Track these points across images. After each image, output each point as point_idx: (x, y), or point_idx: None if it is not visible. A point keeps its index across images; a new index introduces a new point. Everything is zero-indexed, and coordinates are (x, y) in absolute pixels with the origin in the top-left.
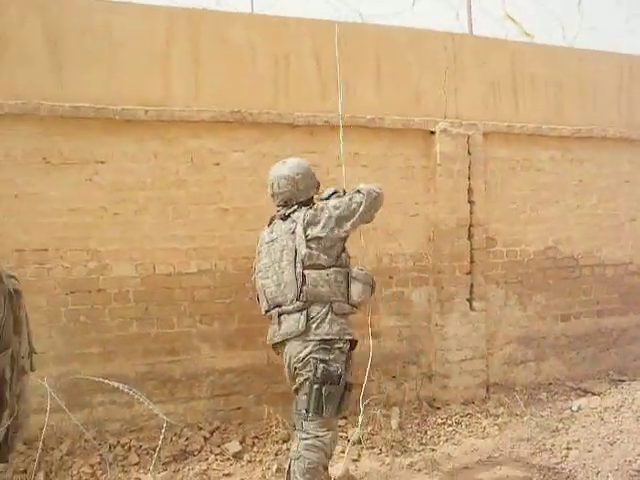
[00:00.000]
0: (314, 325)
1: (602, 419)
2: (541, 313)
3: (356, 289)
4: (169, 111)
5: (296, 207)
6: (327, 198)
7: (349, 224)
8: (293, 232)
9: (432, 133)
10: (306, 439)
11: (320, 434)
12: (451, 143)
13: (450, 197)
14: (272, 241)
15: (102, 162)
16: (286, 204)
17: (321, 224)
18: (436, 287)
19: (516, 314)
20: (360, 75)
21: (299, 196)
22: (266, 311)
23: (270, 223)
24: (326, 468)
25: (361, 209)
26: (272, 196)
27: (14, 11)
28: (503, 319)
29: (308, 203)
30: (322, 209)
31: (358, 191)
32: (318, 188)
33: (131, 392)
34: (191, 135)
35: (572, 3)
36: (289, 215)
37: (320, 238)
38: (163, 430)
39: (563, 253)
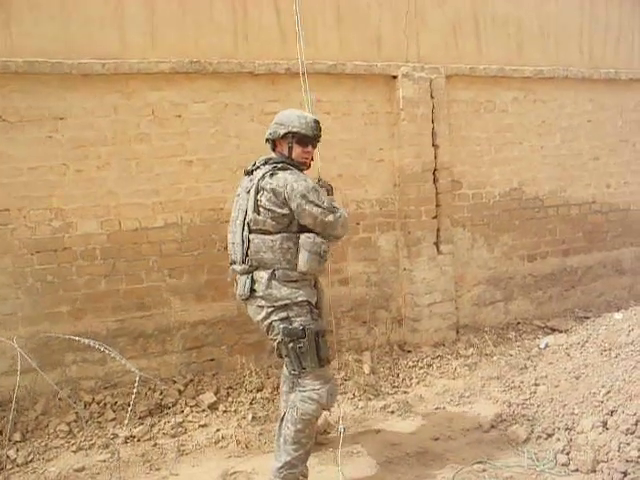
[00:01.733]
0: (260, 290)
1: (568, 355)
2: (508, 254)
3: (302, 258)
4: (127, 63)
5: (262, 164)
6: None
7: (304, 221)
8: (248, 191)
9: (394, 78)
10: (303, 391)
11: (316, 387)
12: (414, 87)
13: (414, 141)
14: (238, 195)
15: (61, 118)
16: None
17: (277, 201)
18: (403, 232)
19: (483, 256)
20: (320, 21)
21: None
22: (229, 264)
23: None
24: (317, 419)
25: (326, 230)
26: (314, 136)
27: None
28: (471, 261)
29: (284, 167)
30: (293, 191)
31: (334, 212)
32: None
33: (102, 349)
34: (151, 87)
35: None
36: (252, 172)
37: (268, 210)
38: (136, 385)
39: (528, 194)
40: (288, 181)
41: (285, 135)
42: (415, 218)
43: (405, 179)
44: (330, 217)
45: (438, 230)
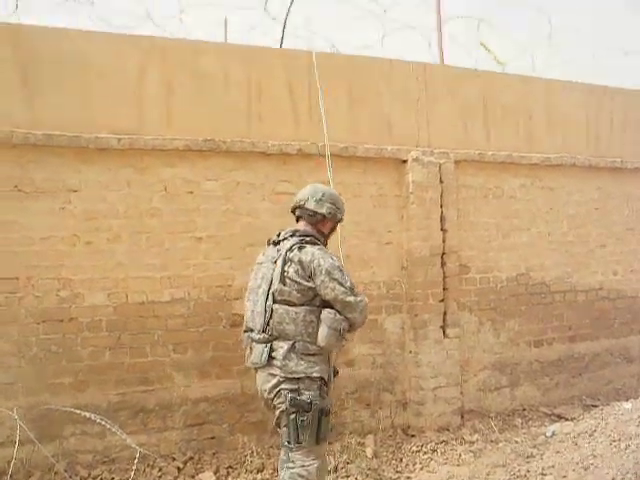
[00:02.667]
0: (276, 360)
1: (576, 444)
2: (514, 339)
3: (322, 332)
4: (142, 139)
5: (289, 235)
6: None
7: (326, 297)
8: (275, 262)
9: (404, 162)
10: (292, 468)
11: (306, 463)
12: (423, 171)
13: (423, 225)
14: (260, 264)
15: (75, 190)
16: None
17: (304, 274)
18: (410, 314)
19: (489, 340)
20: (333, 104)
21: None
22: (244, 331)
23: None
24: None
25: (345, 310)
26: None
27: None
28: (477, 345)
29: (312, 241)
30: (319, 266)
31: (356, 295)
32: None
33: (103, 422)
34: (164, 164)
35: (542, 36)
36: (279, 242)
37: (295, 281)
38: (136, 461)
39: (535, 279)
40: (315, 256)
41: (335, 218)
42: (422, 301)
43: (413, 262)
44: (351, 298)
45: (445, 314)
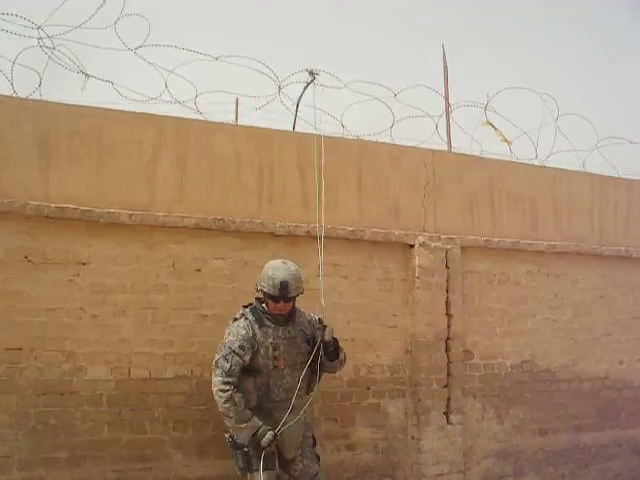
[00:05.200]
0: None
1: None
2: (519, 427)
3: None
4: (153, 216)
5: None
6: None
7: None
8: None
9: (411, 246)
10: None
11: None
12: (430, 256)
13: (428, 310)
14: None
15: (84, 263)
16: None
17: None
18: (413, 399)
19: (493, 428)
20: (341, 188)
21: None
22: None
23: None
24: None
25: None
26: (280, 296)
27: (6, 113)
28: (480, 433)
29: (252, 311)
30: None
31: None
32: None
33: None
34: (174, 240)
35: (546, 121)
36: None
37: None
38: None
39: (540, 367)
40: (229, 330)
41: (261, 291)
42: (425, 386)
43: (417, 346)
44: (214, 371)
45: (448, 399)
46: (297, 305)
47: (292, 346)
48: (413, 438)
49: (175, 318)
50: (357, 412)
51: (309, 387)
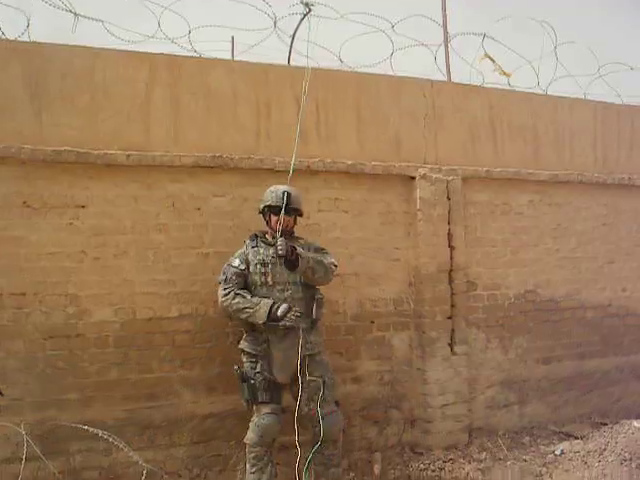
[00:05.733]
0: None
1: (585, 463)
2: (522, 356)
3: None
4: (150, 156)
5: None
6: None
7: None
8: None
9: (412, 178)
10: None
11: (254, 419)
12: (431, 188)
13: (430, 242)
14: None
15: (83, 206)
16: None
17: None
18: (417, 331)
19: (498, 357)
20: (340, 121)
21: None
22: None
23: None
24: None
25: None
26: (282, 206)
27: None
28: (485, 363)
29: (251, 238)
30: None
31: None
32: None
33: (110, 438)
34: (172, 180)
35: (547, 51)
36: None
37: None
38: (143, 478)
39: (543, 296)
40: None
41: (263, 209)
42: (430, 318)
43: (420, 279)
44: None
45: (453, 331)
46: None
47: (282, 265)
48: (418, 369)
49: (177, 257)
50: (362, 345)
51: (309, 312)
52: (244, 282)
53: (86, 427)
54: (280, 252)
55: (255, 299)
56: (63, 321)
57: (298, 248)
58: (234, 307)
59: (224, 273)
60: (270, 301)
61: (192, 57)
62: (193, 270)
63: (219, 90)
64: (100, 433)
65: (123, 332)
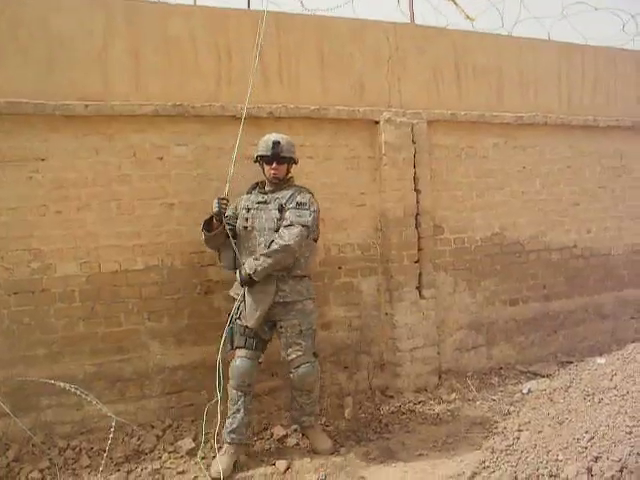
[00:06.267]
0: None
1: (551, 400)
2: (490, 298)
3: None
4: (109, 106)
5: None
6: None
7: None
8: None
9: (376, 123)
10: None
11: None
12: (395, 132)
13: (396, 186)
14: None
15: (42, 159)
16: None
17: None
18: (385, 276)
19: (465, 300)
20: (302, 66)
21: None
22: None
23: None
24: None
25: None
26: (272, 155)
27: None
28: (453, 306)
29: (252, 187)
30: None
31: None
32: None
33: (78, 392)
34: (133, 130)
35: None
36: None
37: None
38: (112, 430)
39: (509, 239)
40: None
41: (257, 159)
42: (397, 262)
43: (387, 223)
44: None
45: (420, 275)
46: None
47: (263, 211)
48: (387, 314)
49: (141, 208)
50: (330, 291)
51: None
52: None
53: (53, 382)
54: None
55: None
56: (27, 277)
57: (247, 263)
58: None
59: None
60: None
61: (150, 2)
62: (158, 221)
63: (179, 37)
64: (68, 387)
65: (89, 286)
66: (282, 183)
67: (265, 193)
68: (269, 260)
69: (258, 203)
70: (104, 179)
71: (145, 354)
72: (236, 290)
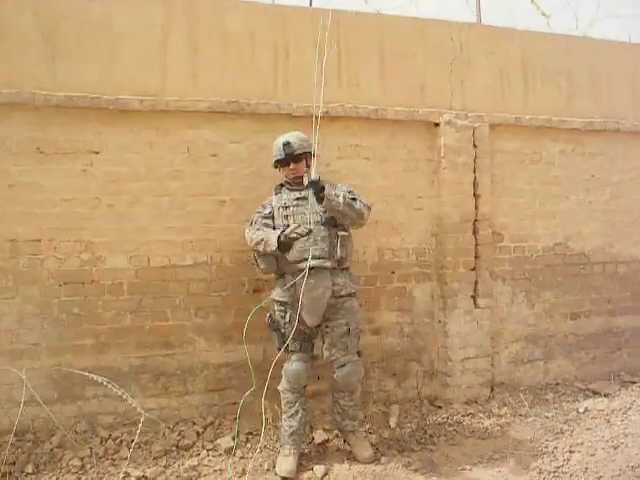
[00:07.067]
0: None
1: (608, 421)
2: (549, 311)
3: None
4: (164, 101)
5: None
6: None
7: None
8: None
9: (436, 125)
10: None
11: (285, 365)
12: (456, 135)
13: (455, 191)
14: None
15: (96, 152)
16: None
17: None
18: (439, 283)
19: (523, 312)
20: (362, 66)
21: None
22: None
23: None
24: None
25: None
26: (286, 155)
27: (11, 1)
28: (509, 317)
29: (276, 189)
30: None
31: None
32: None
33: (109, 385)
34: (187, 125)
35: None
36: None
37: None
38: (140, 425)
39: (573, 249)
40: None
41: (275, 165)
42: (452, 269)
43: (443, 229)
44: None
45: (476, 283)
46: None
47: (303, 207)
48: (440, 322)
49: (192, 205)
50: (382, 296)
51: (333, 251)
52: (271, 227)
53: (88, 374)
54: (311, 178)
55: (271, 230)
56: (77, 267)
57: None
58: (253, 241)
59: (251, 217)
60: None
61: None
62: (208, 218)
63: (237, 33)
64: (101, 380)
65: (137, 279)
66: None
67: (299, 190)
68: (348, 203)
69: (296, 200)
70: (157, 174)
71: (190, 350)
72: (282, 292)
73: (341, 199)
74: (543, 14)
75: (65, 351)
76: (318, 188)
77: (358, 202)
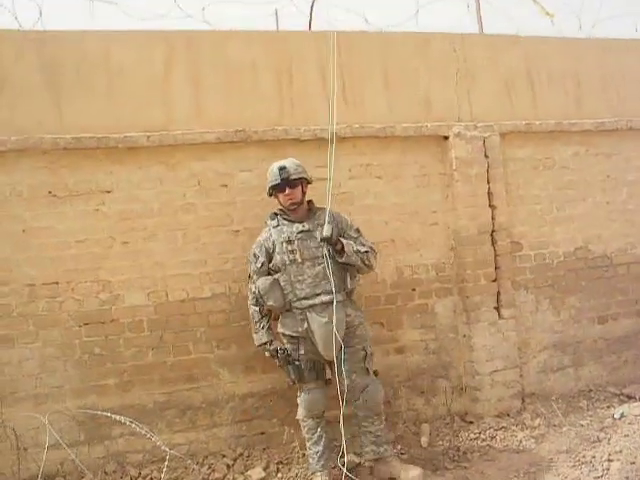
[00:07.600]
0: None
1: None
2: (576, 316)
3: None
4: (171, 135)
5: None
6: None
7: None
8: None
9: (446, 138)
10: None
11: (299, 395)
12: (467, 147)
13: (469, 203)
14: None
15: (108, 191)
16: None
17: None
18: (461, 297)
19: (549, 319)
20: (367, 85)
21: None
22: None
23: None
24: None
25: None
26: (281, 181)
27: (10, 47)
28: (535, 325)
29: (271, 217)
30: None
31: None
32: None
33: (133, 425)
34: (196, 158)
35: None
36: None
37: None
38: (166, 462)
39: (595, 252)
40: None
41: (270, 192)
42: (473, 282)
43: (461, 242)
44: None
45: (498, 294)
46: (319, 205)
47: (308, 239)
48: (464, 336)
49: (206, 236)
50: (404, 314)
51: (343, 284)
52: (267, 271)
53: (108, 414)
54: (324, 234)
55: (263, 321)
56: (97, 307)
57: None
58: (250, 314)
59: (249, 268)
60: (268, 337)
61: (209, 30)
62: (224, 248)
63: (239, 62)
64: (122, 419)
65: (157, 315)
66: (303, 206)
67: (300, 222)
68: (360, 253)
69: (300, 233)
70: (169, 209)
71: (215, 382)
72: (292, 327)
73: (358, 258)
74: (547, 14)
75: (89, 392)
76: (332, 244)
77: (370, 254)
